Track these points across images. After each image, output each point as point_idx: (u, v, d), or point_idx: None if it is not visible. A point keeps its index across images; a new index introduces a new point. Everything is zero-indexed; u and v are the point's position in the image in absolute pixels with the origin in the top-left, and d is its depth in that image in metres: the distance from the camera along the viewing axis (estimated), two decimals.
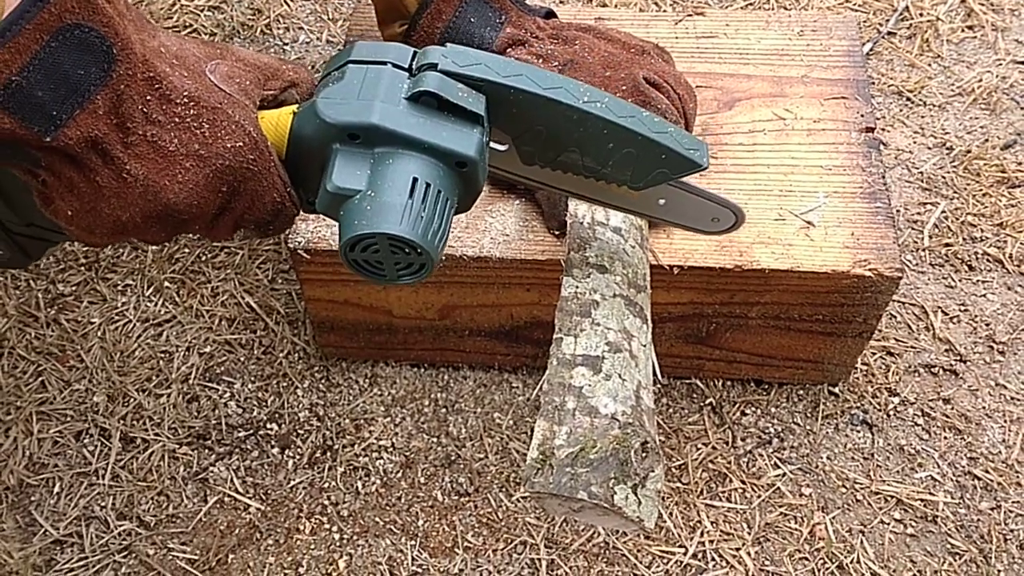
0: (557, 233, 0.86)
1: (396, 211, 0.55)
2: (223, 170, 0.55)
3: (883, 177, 0.89)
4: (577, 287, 0.69)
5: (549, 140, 0.62)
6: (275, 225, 0.61)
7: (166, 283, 1.09)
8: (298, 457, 0.97)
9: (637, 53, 0.83)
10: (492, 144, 0.61)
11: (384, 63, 0.57)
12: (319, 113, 0.56)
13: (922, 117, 1.21)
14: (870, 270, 0.83)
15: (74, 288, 1.09)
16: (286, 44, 1.31)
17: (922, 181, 1.15)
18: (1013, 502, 0.92)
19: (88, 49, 0.49)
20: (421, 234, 0.55)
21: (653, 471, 0.59)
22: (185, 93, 0.54)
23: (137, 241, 0.58)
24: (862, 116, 0.94)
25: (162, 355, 1.04)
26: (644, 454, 0.59)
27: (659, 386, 1.00)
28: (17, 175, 0.54)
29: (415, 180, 0.55)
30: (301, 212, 0.62)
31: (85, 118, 0.50)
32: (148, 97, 0.53)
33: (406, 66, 0.58)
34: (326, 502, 0.94)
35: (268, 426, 0.99)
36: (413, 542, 0.92)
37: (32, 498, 0.95)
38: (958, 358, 1.01)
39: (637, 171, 0.64)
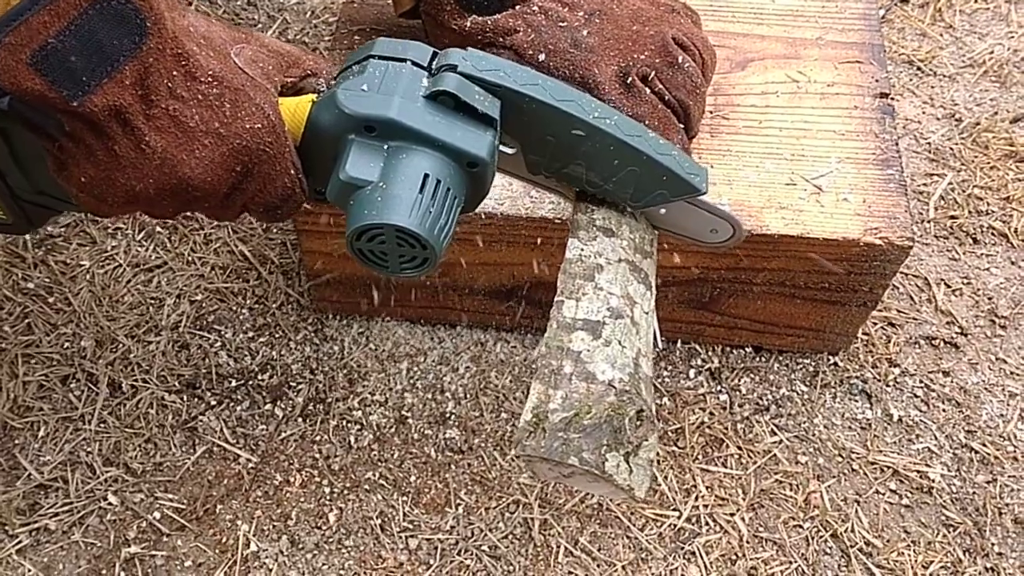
0: None
1: (406, 204, 0.56)
2: (239, 150, 0.56)
3: (896, 144, 0.87)
4: (582, 249, 0.67)
5: (557, 151, 0.64)
6: (283, 210, 0.62)
7: (158, 228, 1.07)
8: (290, 409, 0.95)
9: (667, 11, 0.80)
10: (501, 147, 0.62)
11: (404, 60, 0.59)
12: (339, 103, 0.57)
13: (932, 87, 1.19)
14: (881, 238, 0.81)
15: (63, 229, 1.06)
16: None
17: (930, 152, 1.13)
18: (1009, 476, 0.91)
19: (123, 20, 0.50)
20: (428, 229, 0.56)
21: (647, 440, 0.58)
22: (210, 72, 0.55)
23: (144, 214, 0.59)
24: (877, 81, 0.92)
25: (152, 301, 1.02)
26: (639, 422, 0.58)
27: (658, 350, 0.99)
28: (35, 139, 0.54)
29: (426, 176, 0.57)
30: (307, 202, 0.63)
31: (112, 87, 0.51)
32: (174, 73, 0.54)
33: (425, 65, 0.59)
34: (317, 455, 0.93)
35: (259, 377, 0.97)
36: (405, 498, 0.91)
37: (16, 441, 0.93)
38: (959, 331, 1.00)
39: (638, 190, 0.65)
